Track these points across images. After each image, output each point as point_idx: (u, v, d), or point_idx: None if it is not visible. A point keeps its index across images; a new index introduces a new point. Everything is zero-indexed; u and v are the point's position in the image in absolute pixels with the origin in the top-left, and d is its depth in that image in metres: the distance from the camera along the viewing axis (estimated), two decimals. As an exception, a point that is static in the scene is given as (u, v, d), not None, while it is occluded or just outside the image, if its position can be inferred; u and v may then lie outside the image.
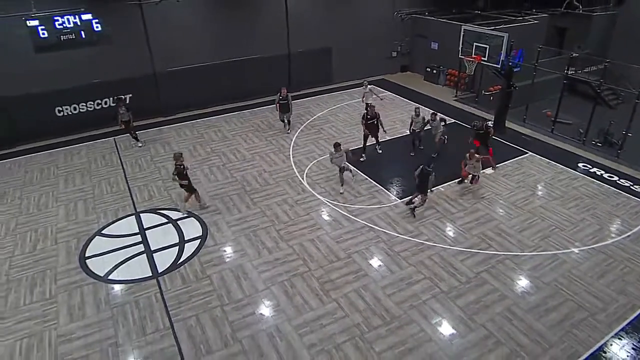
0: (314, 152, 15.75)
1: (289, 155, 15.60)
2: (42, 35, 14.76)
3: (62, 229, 12.20)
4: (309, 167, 14.75)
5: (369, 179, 13.93)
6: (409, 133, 15.71)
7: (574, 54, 17.79)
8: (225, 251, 11.02)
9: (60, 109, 17.49)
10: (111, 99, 18.07)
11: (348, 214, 12.24)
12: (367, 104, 17.80)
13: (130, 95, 18.34)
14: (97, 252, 11.16)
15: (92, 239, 11.64)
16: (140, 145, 16.73)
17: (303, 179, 14.07)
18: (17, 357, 8.51)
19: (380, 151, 15.57)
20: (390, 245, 11.03)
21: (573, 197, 12.97)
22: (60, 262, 10.93)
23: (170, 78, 18.78)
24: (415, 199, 12.18)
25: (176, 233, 11.76)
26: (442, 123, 15.51)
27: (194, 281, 10.10)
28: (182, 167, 12.03)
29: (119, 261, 10.80)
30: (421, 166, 11.80)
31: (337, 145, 13.06)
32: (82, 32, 15.16)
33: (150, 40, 17.98)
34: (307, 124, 18.29)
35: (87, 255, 11.12)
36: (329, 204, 12.74)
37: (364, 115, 15.04)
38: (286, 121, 17.35)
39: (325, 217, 12.18)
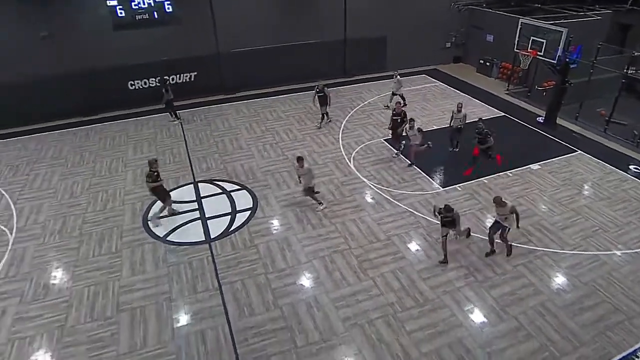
0: (362, 136, 15.66)
1: (339, 138, 15.61)
2: (119, 15, 15.46)
3: (129, 192, 12.89)
4: (356, 150, 14.70)
5: (417, 168, 13.71)
6: (448, 126, 14.83)
7: (637, 53, 16.52)
8: (272, 224, 11.28)
9: (133, 83, 18.29)
10: (178, 76, 18.66)
11: (391, 198, 12.16)
12: (399, 95, 17.44)
13: (195, 73, 18.85)
14: (158, 215, 11.73)
15: (154, 203, 12.22)
16: (176, 122, 17.09)
17: (350, 161, 14.06)
18: (85, 300, 9.19)
19: (398, 150, 14.31)
20: (429, 231, 10.90)
21: (621, 199, 12.23)
22: (126, 222, 11.59)
23: (233, 59, 19.12)
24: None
25: (229, 203, 12.14)
26: (419, 132, 13.33)
27: (242, 249, 10.44)
28: (155, 173, 10.96)
29: (177, 224, 11.32)
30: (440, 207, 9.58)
31: (299, 160, 11.28)
32: (155, 13, 15.74)
33: (216, 23, 18.32)
34: (358, 109, 18.16)
35: (149, 217, 11.71)
36: (373, 187, 12.70)
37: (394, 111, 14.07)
38: (325, 115, 16.46)
39: (369, 199, 12.17)
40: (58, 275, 10.00)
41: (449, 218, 9.42)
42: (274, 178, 13.25)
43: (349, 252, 10.24)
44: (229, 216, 11.61)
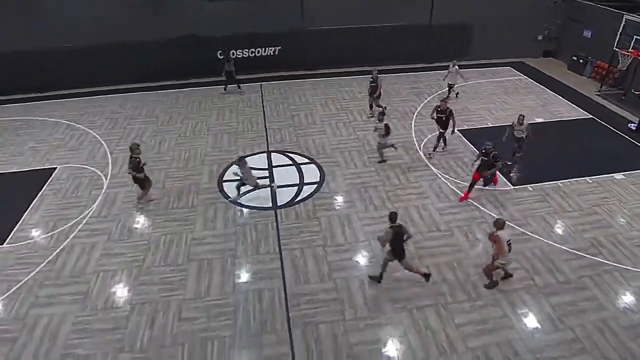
0: (434, 124, 15.12)
1: (411, 123, 15.23)
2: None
3: (209, 153, 13.58)
4: (427, 137, 14.29)
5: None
6: (504, 139, 12.59)
7: None
8: (336, 200, 11.39)
9: (221, 52, 18.95)
10: (263, 49, 19.03)
11: (457, 190, 11.75)
12: (448, 84, 16.38)
13: (279, 47, 19.12)
14: (232, 179, 12.26)
15: (230, 166, 12.79)
16: (240, 91, 17.61)
17: (420, 148, 13.72)
18: (161, 246, 9.95)
19: (442, 150, 13.34)
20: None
21: None
22: (203, 181, 12.27)
23: (316, 36, 19.11)
24: None
25: (297, 175, 12.40)
26: (393, 147, 12.78)
27: (305, 219, 10.68)
28: (137, 160, 10.76)
29: (248, 189, 11.79)
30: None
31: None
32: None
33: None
34: (435, 96, 17.53)
35: (224, 179, 12.31)
36: (440, 176, 12.33)
37: (435, 108, 13.04)
38: (374, 106, 15.44)
39: (435, 188, 11.85)
40: (141, 221, 10.88)
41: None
42: (343, 156, 13.29)
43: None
44: (296, 187, 11.87)
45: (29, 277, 9.40)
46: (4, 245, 10.30)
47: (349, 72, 19.59)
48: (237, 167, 10.98)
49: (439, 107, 12.85)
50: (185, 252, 9.83)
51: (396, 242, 8.23)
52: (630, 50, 15.30)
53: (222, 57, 17.70)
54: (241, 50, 18.96)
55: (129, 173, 11.01)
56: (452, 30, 20.39)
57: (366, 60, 19.95)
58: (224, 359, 7.58)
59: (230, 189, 11.84)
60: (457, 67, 16.22)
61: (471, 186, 11.17)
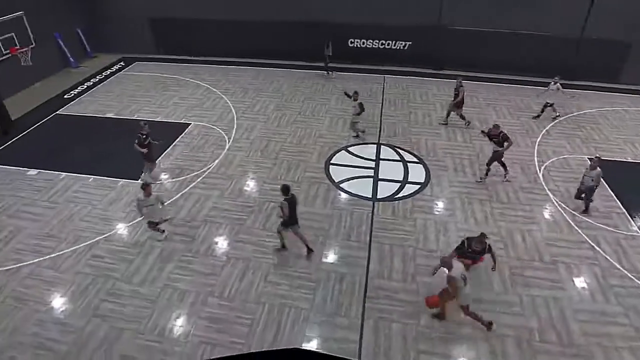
0: (563, 147, 13.66)
1: (536, 141, 13.93)
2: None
3: (322, 135, 13.98)
4: (551, 160, 12.96)
5: (614, 196, 11.47)
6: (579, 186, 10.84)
7: None
8: (437, 204, 10.99)
9: (352, 40, 19.14)
10: (394, 42, 18.79)
11: (573, 222, 10.54)
12: (546, 102, 14.50)
13: (410, 42, 18.70)
14: (339, 162, 12.54)
15: (339, 151, 13.04)
16: (332, 76, 18.10)
17: (540, 169, 12.52)
18: (264, 211, 10.59)
19: (480, 180, 11.83)
20: (605, 274, 9.20)
21: None
22: (312, 160, 12.70)
23: (450, 35, 18.27)
24: None
25: (403, 172, 12.19)
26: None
27: (401, 217, 10.51)
28: (144, 136, 11.18)
29: (352, 176, 11.93)
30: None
31: (145, 188, 9.17)
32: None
33: (446, -4, 17.60)
34: (569, 117, 15.76)
35: (332, 162, 12.60)
36: (556, 203, 11.16)
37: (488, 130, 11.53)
38: (455, 115, 14.44)
39: (546, 214, 10.78)
40: (251, 185, 11.70)
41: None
42: (454, 162, 12.71)
43: (505, 259, 9.40)
44: (399, 184, 11.70)
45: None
46: (138, 181, 11.86)
47: (479, 77, 18.47)
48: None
49: (490, 131, 11.38)
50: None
51: (291, 211, 8.80)
52: None
53: (326, 46, 18.06)
54: (371, 41, 18.95)
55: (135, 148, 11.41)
56: (604, 47, 17.94)
57: (501, 67, 18.63)
58: (296, 328, 7.92)
59: (335, 172, 12.09)
60: (559, 84, 14.57)
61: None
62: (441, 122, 14.79)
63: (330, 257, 9.41)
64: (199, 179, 11.96)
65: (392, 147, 13.37)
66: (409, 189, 11.53)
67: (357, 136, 13.72)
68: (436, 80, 18.18)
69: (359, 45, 19.21)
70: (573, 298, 8.59)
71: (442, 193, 11.41)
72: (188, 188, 11.62)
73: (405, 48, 18.91)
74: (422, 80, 18.21)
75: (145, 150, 11.44)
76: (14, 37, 13.70)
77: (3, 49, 13.46)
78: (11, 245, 9.94)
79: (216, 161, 12.75)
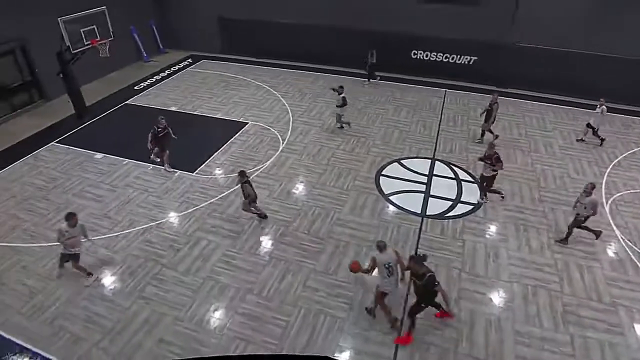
0: (635, 180, 12.67)
1: (605, 172, 13.03)
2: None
3: (376, 145, 13.90)
4: (620, 193, 12.07)
5: (692, 241, 10.47)
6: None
7: None
8: (489, 228, 10.57)
9: (416, 52, 18.94)
10: (459, 56, 18.38)
11: (639, 262, 9.75)
12: (588, 123, 13.96)
13: (475, 58, 18.20)
14: (390, 174, 12.40)
15: (392, 163, 12.91)
16: (366, 84, 18.41)
17: (607, 202, 11.70)
18: (309, 215, 10.68)
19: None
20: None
21: None
22: (363, 169, 12.66)
23: (522, 53, 17.56)
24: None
25: (456, 191, 11.85)
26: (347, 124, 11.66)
27: (449, 237, 10.20)
28: (159, 129, 11.92)
29: (402, 189, 11.76)
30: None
31: (69, 218, 8.32)
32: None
33: (518, 11, 16.90)
34: (647, 149, 14.61)
35: (383, 173, 12.49)
36: (622, 241, 10.36)
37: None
38: (486, 132, 14.15)
39: (611, 252, 10.03)
40: (300, 188, 11.85)
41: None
42: (511, 185, 12.18)
43: (558, 295, 8.85)
44: (451, 202, 11.38)
45: (203, 204, 11.19)
46: (193, 174, 12.41)
47: (547, 98, 17.61)
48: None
49: (486, 155, 10.88)
50: (327, 228, 10.38)
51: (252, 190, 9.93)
52: None
53: (370, 55, 18.11)
54: (435, 54, 18.65)
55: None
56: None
57: (573, 90, 17.64)
58: (330, 336, 7.89)
59: (385, 183, 11.99)
60: (604, 107, 13.62)
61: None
62: (477, 140, 14.35)
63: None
64: (250, 177, 12.26)
65: (448, 163, 13.04)
66: (461, 208, 11.18)
67: (342, 127, 14.74)
68: (500, 99, 17.47)
69: (422, 57, 18.97)
70: (632, 346, 7.92)
71: (496, 216, 10.96)
72: (239, 185, 11.94)
73: (470, 63, 18.43)
74: (484, 97, 17.62)
75: (151, 146, 12.13)
76: (96, 29, 14.80)
77: (85, 40, 14.56)
78: (73, 222, 10.70)
79: (268, 162, 13.04)
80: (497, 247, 9.97)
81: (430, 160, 13.17)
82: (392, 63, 19.17)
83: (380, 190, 11.78)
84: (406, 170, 12.68)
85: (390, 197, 11.50)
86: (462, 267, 9.38)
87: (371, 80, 18.63)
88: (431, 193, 11.70)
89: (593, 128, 14.13)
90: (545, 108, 16.87)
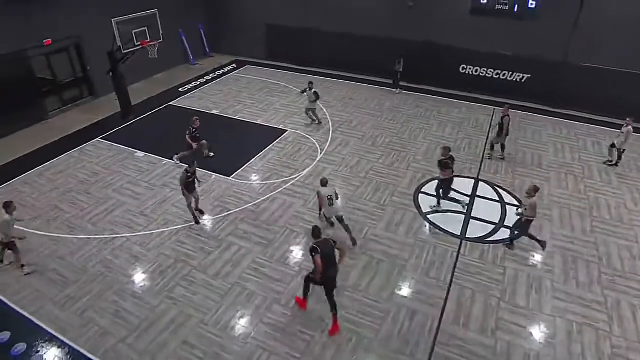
0: None
1: (667, 205, 12.25)
2: (482, 0, 15.81)
3: (417, 161, 13.72)
4: (684, 230, 11.28)
5: None
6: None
7: None
8: (533, 256, 10.14)
9: (465, 67, 18.63)
10: (510, 73, 17.93)
11: None
12: (613, 143, 13.32)
13: (529, 76, 17.68)
14: (430, 192, 12.17)
15: (432, 180, 12.68)
16: (397, 92, 18.74)
17: (668, 240, 10.96)
18: (343, 229, 10.61)
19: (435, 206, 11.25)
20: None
21: None
22: (402, 185, 12.51)
23: (578, 72, 16.90)
24: None
25: (500, 214, 11.47)
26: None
27: (489, 263, 9.87)
28: (194, 129, 12.97)
29: (442, 209, 11.51)
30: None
31: (9, 205, 8.90)
32: (516, 6, 15.43)
33: (577, 28, 16.32)
34: None
35: (423, 190, 12.29)
36: (684, 283, 9.66)
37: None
38: (495, 146, 14.05)
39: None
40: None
41: None
42: (561, 212, 11.66)
43: (606, 335, 8.33)
44: (493, 226, 11.02)
45: (236, 210, 11.39)
46: (229, 178, 12.69)
47: (606, 122, 16.80)
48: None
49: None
50: (361, 243, 10.29)
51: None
52: None
53: (397, 62, 18.38)
54: (485, 69, 18.29)
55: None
56: None
57: (637, 114, 16.74)
58: (355, 356, 7.76)
59: (424, 201, 11.79)
60: (631, 127, 12.96)
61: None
62: (487, 154, 14.22)
63: (405, 290, 9.11)
64: (285, 185, 12.40)
65: (492, 185, 12.67)
66: (504, 233, 10.80)
67: (312, 123, 15.59)
68: (553, 120, 16.91)
69: (471, 73, 18.64)
70: (692, 400, 7.33)
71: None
72: (274, 192, 12.10)
73: (523, 81, 17.93)
74: (536, 117, 17.08)
75: (195, 145, 13.02)
76: (147, 31, 15.54)
77: (136, 41, 15.30)
78: (110, 217, 11.16)
79: (305, 171, 13.13)
80: (541, 278, 9.54)
81: (473, 180, 12.84)
82: (440, 77, 18.98)
83: (419, 208, 11.57)
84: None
85: (429, 216, 11.28)
86: (501, 296, 9.03)
87: (396, 87, 18.85)
88: (472, 215, 11.38)
89: (618, 149, 13.59)
90: (602, 132, 16.09)
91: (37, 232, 10.65)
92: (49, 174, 13.04)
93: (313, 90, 15.26)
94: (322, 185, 10.12)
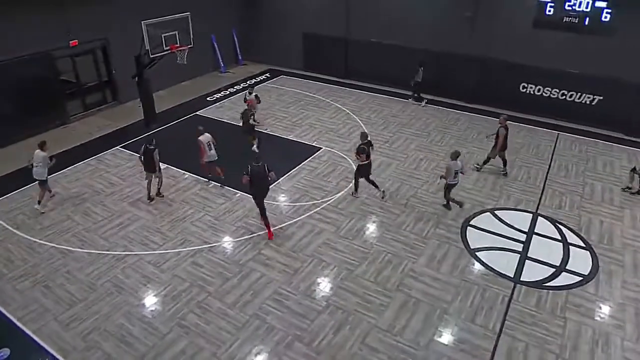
0: None
1: None
2: (547, 12, 15.60)
3: (466, 189, 13.44)
4: None
5: None
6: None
7: None
8: (600, 308, 9.62)
9: (525, 85, 18.33)
10: (577, 94, 17.49)
11: None
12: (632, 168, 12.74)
13: (600, 98, 17.15)
14: (480, 226, 11.87)
15: (484, 212, 12.38)
16: (422, 104, 19.21)
17: None
18: (377, 262, 10.52)
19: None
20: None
21: None
22: (448, 215, 12.27)
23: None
24: None
25: (561, 256, 11.02)
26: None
27: (547, 312, 9.43)
28: (250, 112, 15.16)
29: (493, 245, 11.17)
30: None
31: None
32: (587, 19, 15.15)
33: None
34: None
35: (471, 223, 12.00)
36: None
37: None
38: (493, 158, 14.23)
39: None
40: (371, 229, 11.73)
41: None
42: (634, 257, 11.07)
43: (691, 409, 7.74)
44: (553, 269, 10.57)
45: (260, 233, 11.46)
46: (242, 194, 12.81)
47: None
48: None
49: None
50: (397, 279, 10.09)
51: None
52: None
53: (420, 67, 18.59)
54: (549, 89, 17.91)
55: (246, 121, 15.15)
56: None
57: None
58: (386, 410, 7.50)
59: (472, 235, 11.49)
60: None
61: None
62: (476, 165, 14.64)
63: (445, 337, 8.81)
64: (316, 209, 12.39)
65: (554, 221, 12.22)
66: (565, 278, 10.33)
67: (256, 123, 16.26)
68: (629, 149, 16.26)
69: (532, 92, 18.30)
70: None
71: (612, 296, 9.96)
72: (303, 216, 12.11)
73: (593, 103, 17.43)
74: (608, 145, 16.47)
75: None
76: (177, 35, 16.18)
77: (165, 45, 15.93)
78: (124, 232, 11.44)
79: (339, 194, 13.09)
80: (608, 334, 9.02)
81: (531, 215, 12.44)
82: (496, 96, 18.73)
83: (466, 243, 11.28)
84: (500, 223, 12.07)
85: (477, 253, 10.96)
86: (559, 352, 8.57)
87: (419, 101, 19.22)
88: (529, 255, 10.98)
89: (636, 171, 13.26)
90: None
91: (47, 243, 11.04)
92: (64, 181, 13.57)
93: (253, 94, 16.29)
94: (201, 133, 12.78)
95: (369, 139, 12.67)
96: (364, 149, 12.23)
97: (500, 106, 18.60)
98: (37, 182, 12.08)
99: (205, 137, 12.80)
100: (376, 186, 12.80)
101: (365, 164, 12.40)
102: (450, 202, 12.43)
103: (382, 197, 12.87)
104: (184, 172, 14.05)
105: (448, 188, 12.25)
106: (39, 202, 12.13)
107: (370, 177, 12.75)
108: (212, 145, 12.93)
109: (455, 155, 11.87)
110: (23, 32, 15.34)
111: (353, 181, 13.06)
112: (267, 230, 11.32)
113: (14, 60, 15.36)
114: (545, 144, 16.35)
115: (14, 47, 15.27)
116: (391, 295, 9.67)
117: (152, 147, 12.17)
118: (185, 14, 16.22)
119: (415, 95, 19.38)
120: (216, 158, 12.97)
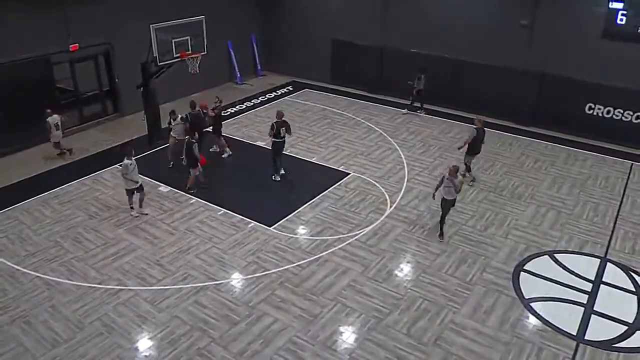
0: None
1: None
2: (618, 22, 15.51)
3: (519, 227, 13.23)
4: None
5: None
6: None
7: None
8: (684, 378, 9.21)
9: (592, 106, 18.19)
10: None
11: None
12: None
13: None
14: (536, 271, 11.62)
15: (540, 255, 12.11)
16: (420, 112, 20.12)
17: None
18: (412, 311, 10.33)
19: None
20: None
21: None
22: (498, 257, 12.04)
23: None
24: None
25: (635, 310, 10.65)
26: None
27: (618, 379, 9.07)
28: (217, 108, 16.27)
29: (552, 295, 10.90)
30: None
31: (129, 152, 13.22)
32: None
33: None
34: None
35: (525, 267, 11.74)
36: None
37: None
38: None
39: None
40: (405, 270, 11.58)
41: None
42: None
43: None
44: (626, 327, 10.21)
45: (275, 270, 11.42)
46: (270, 228, 12.82)
47: None
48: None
49: None
50: (436, 332, 9.86)
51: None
52: None
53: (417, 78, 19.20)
54: (620, 111, 17.72)
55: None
56: None
57: None
58: None
59: (527, 282, 11.21)
60: None
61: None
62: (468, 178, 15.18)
63: (493, 405, 8.53)
64: (341, 245, 12.32)
65: (626, 269, 11.87)
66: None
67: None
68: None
69: (601, 114, 18.16)
70: None
71: (700, 363, 9.55)
72: (325, 253, 12.03)
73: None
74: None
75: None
76: (189, 41, 16.53)
77: (175, 52, 16.27)
78: (119, 263, 11.55)
79: (369, 228, 13.01)
80: (696, 411, 8.60)
81: (599, 260, 12.11)
82: (558, 118, 18.63)
83: (519, 292, 11.01)
84: (561, 268, 11.79)
85: (532, 304, 10.69)
86: None
87: (417, 110, 19.99)
88: (595, 308, 10.66)
89: None
90: None
91: (31, 272, 11.20)
92: (55, 202, 13.86)
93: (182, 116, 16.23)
94: (180, 118, 15.53)
95: (284, 118, 14.83)
96: (273, 126, 14.56)
97: (563, 130, 18.51)
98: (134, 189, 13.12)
99: (53, 119, 15.53)
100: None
101: (279, 142, 14.74)
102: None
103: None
104: (190, 196, 14.17)
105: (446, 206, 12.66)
106: (131, 208, 13.40)
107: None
108: (59, 126, 15.70)
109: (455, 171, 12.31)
110: (18, 33, 15.91)
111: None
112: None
113: (4, 65, 15.81)
114: (616, 176, 16.07)
115: (5, 48, 15.71)
116: (427, 350, 9.45)
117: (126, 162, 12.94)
118: (199, 18, 16.64)
119: (415, 104, 20.06)
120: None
